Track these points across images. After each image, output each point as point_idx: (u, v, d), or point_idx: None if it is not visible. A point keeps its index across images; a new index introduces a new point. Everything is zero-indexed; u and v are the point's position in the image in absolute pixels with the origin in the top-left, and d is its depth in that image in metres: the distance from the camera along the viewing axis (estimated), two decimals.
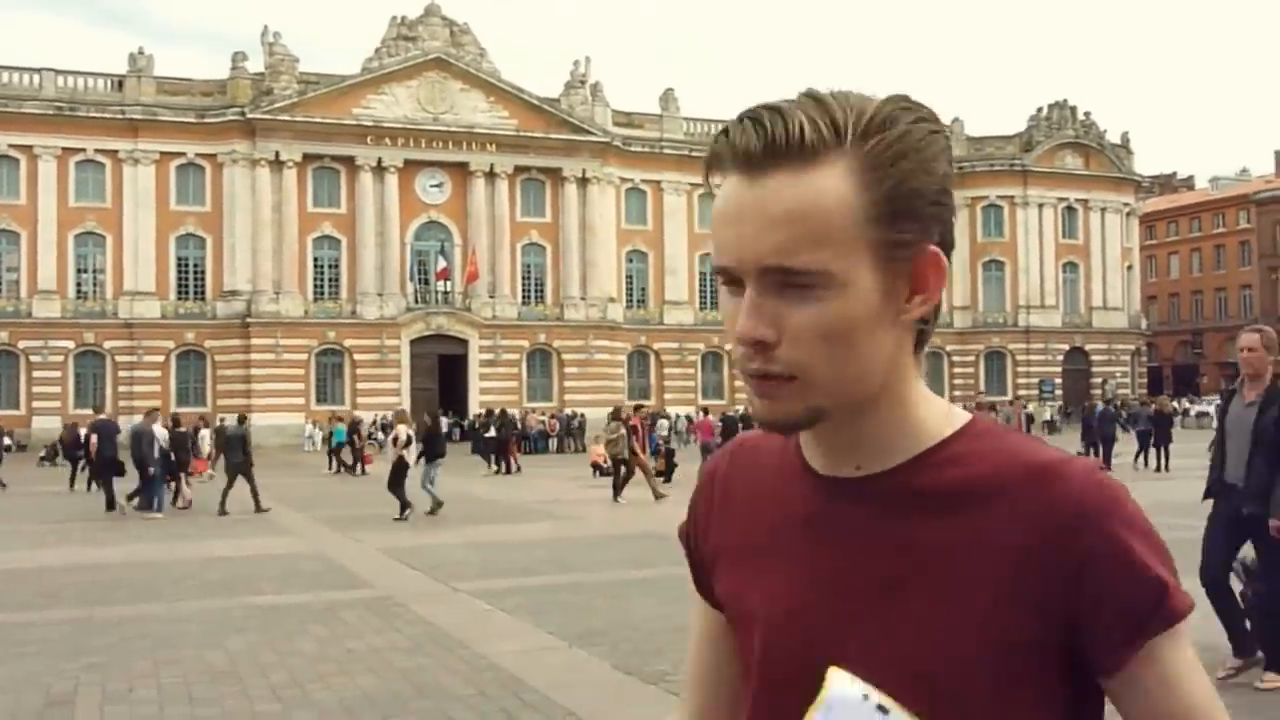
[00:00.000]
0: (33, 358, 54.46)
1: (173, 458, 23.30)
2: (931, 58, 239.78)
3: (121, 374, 55.61)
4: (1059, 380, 69.07)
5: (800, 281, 1.09)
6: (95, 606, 11.75)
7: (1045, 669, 1.13)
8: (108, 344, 55.57)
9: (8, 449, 30.05)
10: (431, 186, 60.06)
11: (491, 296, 60.26)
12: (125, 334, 55.62)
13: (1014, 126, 75.32)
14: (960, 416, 1.23)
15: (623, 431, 23.76)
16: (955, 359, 70.71)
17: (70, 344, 55.11)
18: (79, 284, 56.07)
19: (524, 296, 61.85)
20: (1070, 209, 72.68)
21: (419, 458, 22.03)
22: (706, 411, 44.44)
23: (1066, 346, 71.98)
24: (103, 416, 24.67)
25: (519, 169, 61.27)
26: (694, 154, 65.48)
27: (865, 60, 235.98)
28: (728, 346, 1.18)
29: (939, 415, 1.22)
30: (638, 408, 31.51)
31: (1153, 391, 67.43)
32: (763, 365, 1.12)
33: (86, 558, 15.95)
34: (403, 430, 22.00)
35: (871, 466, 1.20)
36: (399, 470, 21.11)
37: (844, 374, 1.13)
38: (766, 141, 1.10)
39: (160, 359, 56.19)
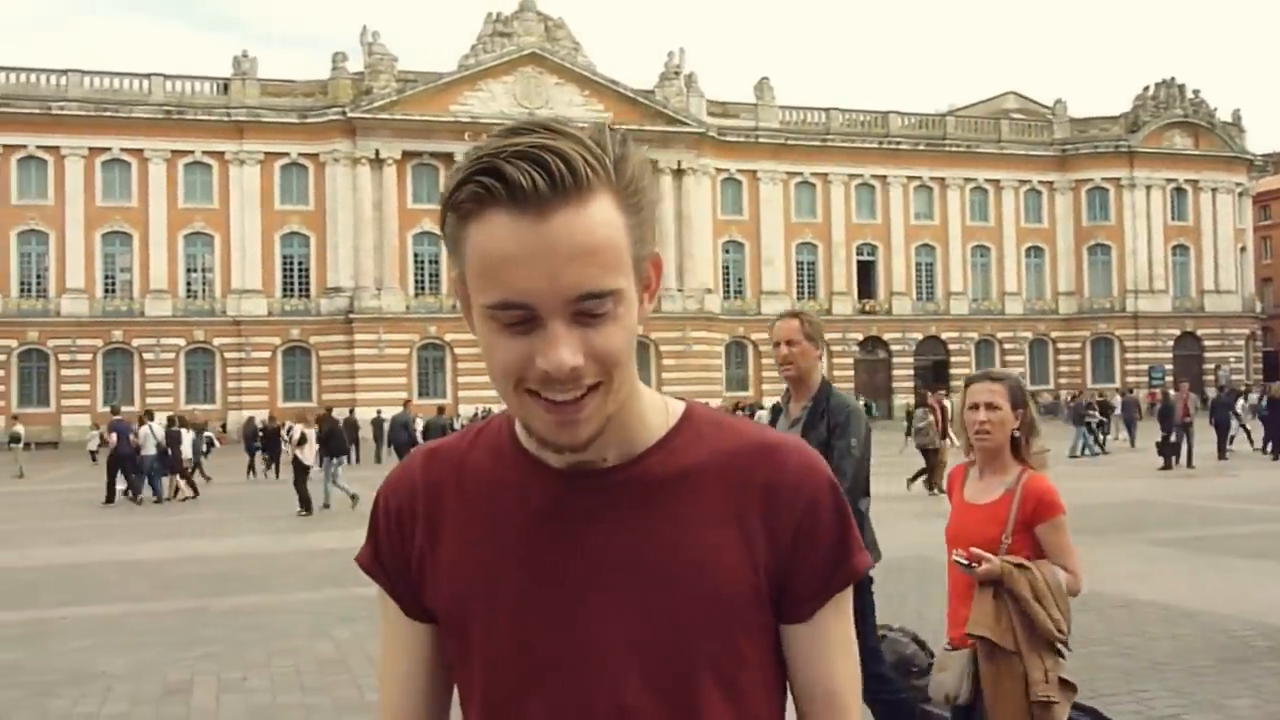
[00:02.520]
0: (146, 355, 56.07)
1: (169, 453, 25.46)
2: (1033, 37, 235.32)
3: (230, 370, 57.05)
4: (1169, 366, 67.35)
5: (600, 307, 1.18)
6: (209, 597, 12.07)
7: (765, 616, 1.31)
8: (217, 341, 57.03)
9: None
10: None
11: None
12: (234, 331, 57.03)
13: (1119, 107, 73.52)
14: (677, 404, 1.38)
15: (931, 419, 21.89)
16: (1060, 346, 69.38)
17: (181, 341, 56.65)
18: (189, 283, 57.56)
19: None
20: (1179, 190, 70.86)
21: (321, 455, 22.36)
22: None
23: (1177, 331, 70.19)
24: (119, 417, 26.66)
25: None
26: (790, 142, 65.13)
27: (964, 42, 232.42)
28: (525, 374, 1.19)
29: (660, 404, 1.36)
30: (934, 389, 28.19)
31: (1268, 377, 65.47)
32: (574, 389, 1.19)
33: (198, 550, 16.39)
34: (298, 429, 22.07)
35: (616, 458, 1.31)
36: (297, 469, 21.45)
37: (630, 378, 1.26)
38: (549, 180, 1.15)
39: (267, 355, 57.51)
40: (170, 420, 27.58)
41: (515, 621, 1.30)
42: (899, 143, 67.49)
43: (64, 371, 54.97)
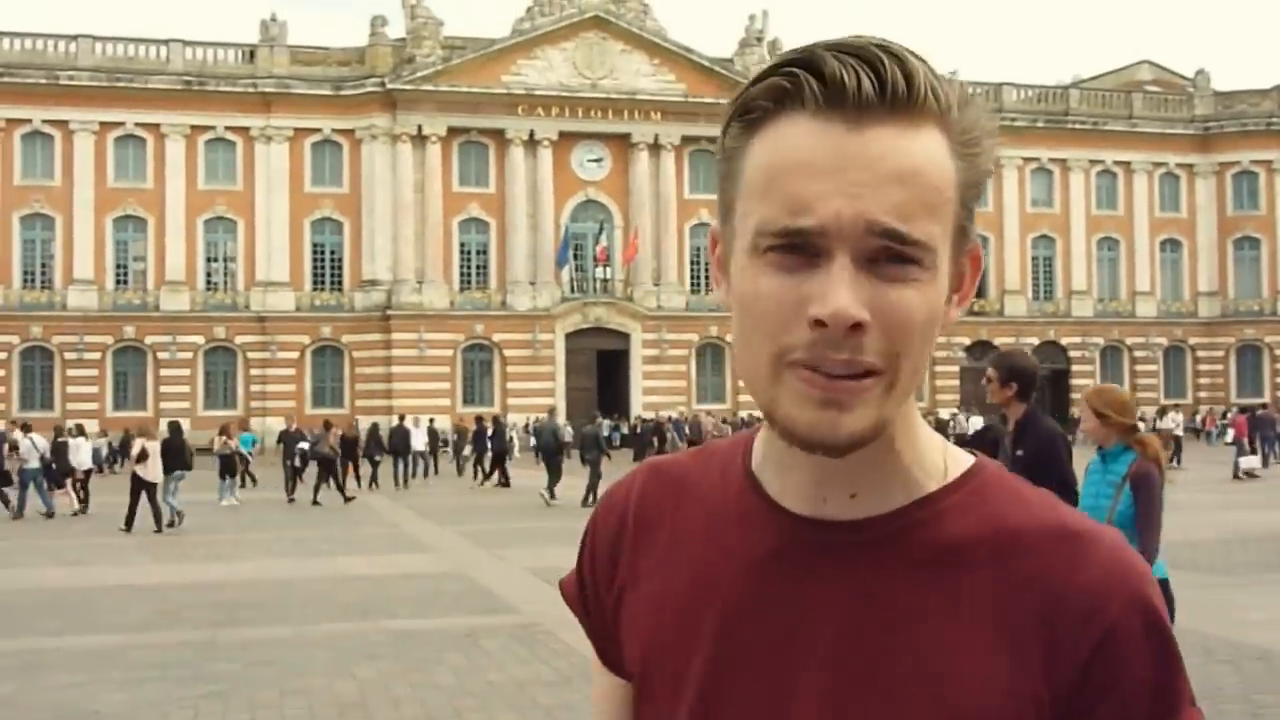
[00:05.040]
0: (160, 354, 56.83)
1: (53, 466, 27.11)
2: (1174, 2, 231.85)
3: (253, 372, 57.67)
4: None
5: (904, 256, 1.03)
6: (219, 628, 12.20)
7: None
8: (239, 339, 57.70)
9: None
10: (589, 161, 60.67)
11: (656, 284, 60.51)
12: (258, 328, 57.63)
13: (1271, 78, 72.27)
14: (960, 456, 1.19)
15: None
16: (1200, 355, 68.23)
17: (200, 339, 57.37)
18: (209, 274, 58.31)
19: (693, 284, 61.91)
20: None
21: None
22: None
23: None
24: None
25: (686, 140, 61.41)
26: None
27: (1092, 4, 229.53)
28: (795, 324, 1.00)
29: (939, 451, 1.18)
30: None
31: None
32: (853, 355, 1.03)
33: (209, 574, 16.58)
34: (138, 443, 23.44)
35: (869, 502, 1.14)
36: (136, 485, 22.68)
37: (918, 377, 1.08)
38: (878, 85, 1.03)
39: (294, 355, 58.09)
40: (59, 430, 29.91)
41: (697, 695, 1.17)
42: (1014, 119, 66.68)
43: (70, 371, 55.87)
